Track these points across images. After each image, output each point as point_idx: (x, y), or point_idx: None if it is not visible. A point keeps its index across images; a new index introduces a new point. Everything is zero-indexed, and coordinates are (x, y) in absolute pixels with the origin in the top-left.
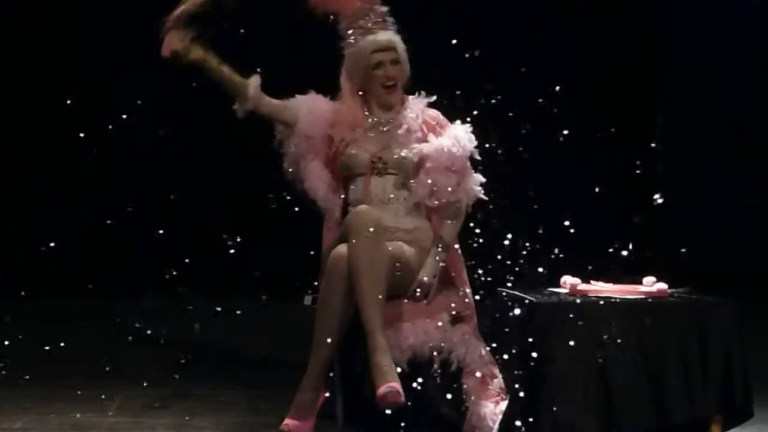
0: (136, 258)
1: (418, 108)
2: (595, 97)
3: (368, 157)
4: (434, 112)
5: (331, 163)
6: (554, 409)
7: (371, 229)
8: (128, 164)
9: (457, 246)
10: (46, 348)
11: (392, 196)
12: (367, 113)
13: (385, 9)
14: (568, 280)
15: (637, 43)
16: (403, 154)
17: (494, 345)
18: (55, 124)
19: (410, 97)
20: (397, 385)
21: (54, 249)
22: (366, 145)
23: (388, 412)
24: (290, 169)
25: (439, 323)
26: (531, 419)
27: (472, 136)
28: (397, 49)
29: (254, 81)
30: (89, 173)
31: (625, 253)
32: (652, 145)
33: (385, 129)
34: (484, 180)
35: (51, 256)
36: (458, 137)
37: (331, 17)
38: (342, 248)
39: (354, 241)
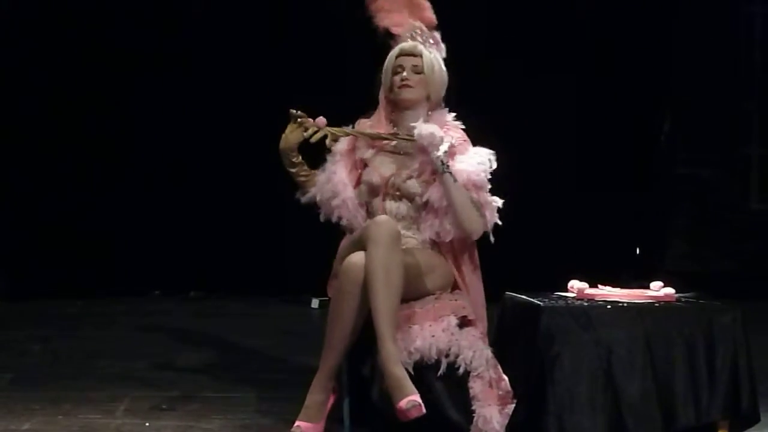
0: (143, 259)
1: (440, 124)
2: (603, 101)
3: (380, 182)
4: (459, 132)
5: (356, 184)
6: (561, 413)
7: (389, 237)
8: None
9: (472, 252)
10: (54, 349)
11: (403, 225)
12: (392, 127)
13: (432, 30)
14: (575, 284)
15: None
16: (410, 183)
17: (501, 349)
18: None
19: (433, 113)
20: (417, 397)
21: (61, 248)
22: (381, 167)
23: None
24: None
25: (446, 326)
26: (537, 424)
27: (494, 159)
28: (422, 57)
29: (321, 177)
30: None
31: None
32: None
33: (402, 150)
34: (500, 204)
35: (58, 256)
36: (479, 161)
37: (386, 31)
38: (356, 256)
39: (372, 249)
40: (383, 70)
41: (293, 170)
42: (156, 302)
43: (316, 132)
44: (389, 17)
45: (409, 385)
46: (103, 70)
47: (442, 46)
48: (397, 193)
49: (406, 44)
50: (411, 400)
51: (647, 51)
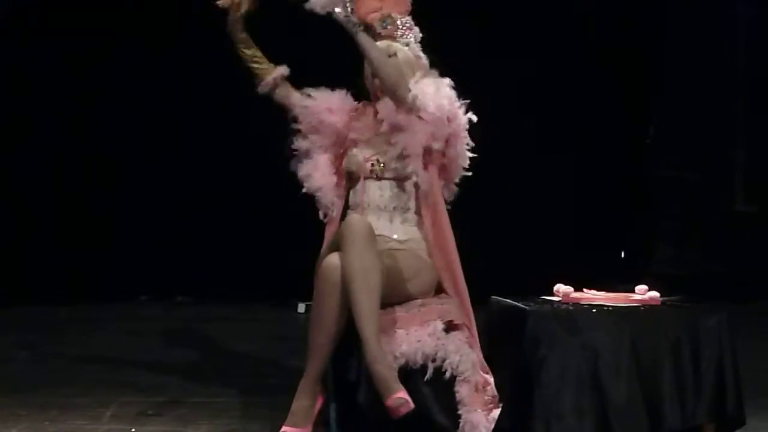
0: (130, 264)
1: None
2: (589, 105)
3: (364, 159)
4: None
5: (339, 162)
6: (547, 417)
7: (363, 237)
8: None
9: (454, 253)
10: (41, 355)
11: (387, 203)
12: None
13: (406, 18)
14: (561, 288)
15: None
16: (389, 157)
17: (487, 353)
18: (51, 125)
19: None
20: (404, 393)
21: (48, 254)
22: (368, 148)
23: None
24: (297, 154)
25: (433, 331)
26: (524, 428)
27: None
28: (396, 56)
29: (280, 69)
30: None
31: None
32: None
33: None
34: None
35: (45, 262)
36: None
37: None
38: (333, 257)
39: (347, 250)
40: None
41: (246, 56)
42: (143, 307)
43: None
44: (364, 4)
45: (396, 382)
46: (95, 77)
47: (416, 28)
48: (382, 168)
49: (380, 45)
50: (398, 397)
51: (634, 54)
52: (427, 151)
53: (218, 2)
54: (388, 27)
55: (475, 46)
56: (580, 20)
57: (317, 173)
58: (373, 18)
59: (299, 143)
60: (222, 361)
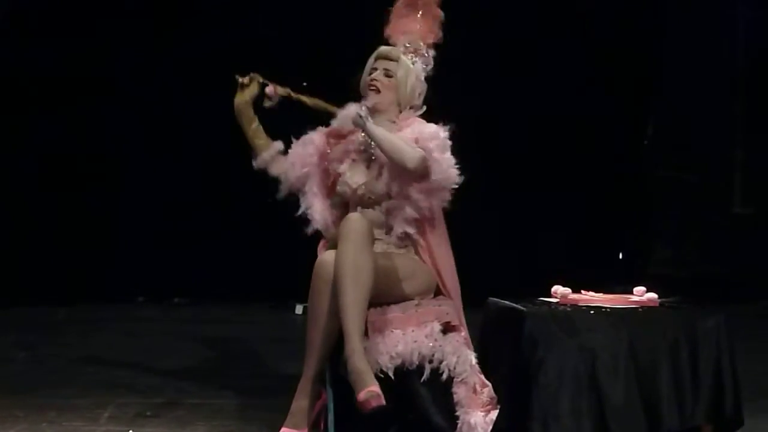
0: (128, 265)
1: (410, 126)
2: (587, 105)
3: (350, 192)
4: (432, 130)
5: (330, 193)
6: (545, 419)
7: (360, 235)
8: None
9: (449, 255)
10: (38, 356)
11: (379, 232)
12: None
13: (427, 49)
14: (558, 289)
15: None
16: (377, 185)
17: (485, 354)
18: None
19: (401, 114)
20: (376, 388)
21: (46, 255)
22: (353, 176)
23: (371, 416)
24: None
25: (430, 332)
26: (522, 429)
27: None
28: (397, 62)
29: (275, 145)
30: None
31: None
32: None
33: (374, 155)
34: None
35: (43, 263)
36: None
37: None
38: (328, 255)
39: (342, 245)
40: (364, 71)
41: (250, 132)
42: (140, 309)
43: (263, 86)
44: (400, 22)
45: (370, 377)
46: (95, 77)
47: (431, 60)
48: (371, 199)
49: (385, 48)
50: (369, 390)
51: (634, 54)
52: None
53: (239, 78)
54: (408, 46)
55: (475, 46)
56: (580, 20)
57: (317, 207)
58: (399, 38)
59: (290, 182)
60: (220, 362)
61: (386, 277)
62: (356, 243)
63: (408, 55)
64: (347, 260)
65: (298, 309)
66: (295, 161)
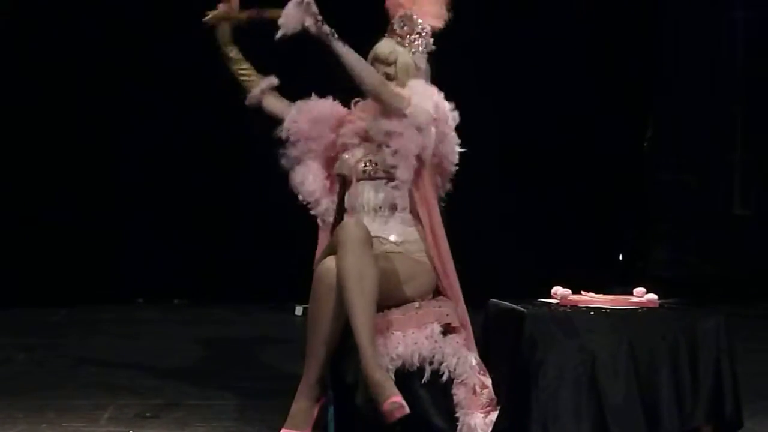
0: (128, 266)
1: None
2: (586, 107)
3: (356, 161)
4: (449, 107)
5: (330, 167)
6: (545, 420)
7: (359, 242)
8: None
9: (447, 254)
10: (38, 357)
11: (382, 203)
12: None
13: (426, 27)
14: (558, 290)
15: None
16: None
17: (485, 355)
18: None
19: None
20: (399, 398)
21: (45, 256)
22: (359, 150)
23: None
24: (287, 167)
25: (430, 333)
26: (522, 431)
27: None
28: (395, 65)
29: (268, 80)
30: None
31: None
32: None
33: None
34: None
35: (42, 264)
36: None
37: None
38: (329, 261)
39: (342, 254)
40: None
41: (232, 66)
42: (140, 310)
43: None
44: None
45: (391, 387)
46: (93, 78)
47: (430, 40)
48: (375, 167)
49: (384, 49)
50: (393, 401)
51: (634, 55)
52: (419, 156)
53: (205, 20)
54: (404, 28)
55: (475, 46)
56: (580, 20)
57: (309, 179)
58: (395, 12)
59: (289, 151)
60: (219, 363)
61: (387, 281)
62: (356, 250)
63: (405, 39)
64: (350, 269)
65: (298, 310)
66: (316, 113)
